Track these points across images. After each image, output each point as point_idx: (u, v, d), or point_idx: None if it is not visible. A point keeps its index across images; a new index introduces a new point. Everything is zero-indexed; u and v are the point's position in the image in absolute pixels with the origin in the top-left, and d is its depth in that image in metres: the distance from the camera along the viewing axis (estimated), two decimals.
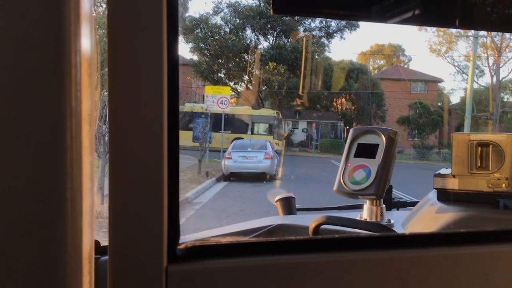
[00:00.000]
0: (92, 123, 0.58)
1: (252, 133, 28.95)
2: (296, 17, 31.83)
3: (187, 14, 34.12)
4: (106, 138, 8.85)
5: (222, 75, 35.52)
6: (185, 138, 26.85)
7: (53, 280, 0.53)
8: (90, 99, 0.57)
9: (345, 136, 31.48)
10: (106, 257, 0.74)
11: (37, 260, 0.53)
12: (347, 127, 33.49)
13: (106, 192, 0.63)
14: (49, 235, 0.53)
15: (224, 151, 18.14)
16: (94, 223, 0.90)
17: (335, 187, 1.47)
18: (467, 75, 31.50)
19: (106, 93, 0.61)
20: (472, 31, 25.13)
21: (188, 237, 1.37)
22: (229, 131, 28.39)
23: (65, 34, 0.52)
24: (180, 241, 0.69)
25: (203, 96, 25.48)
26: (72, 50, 0.53)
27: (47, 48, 0.52)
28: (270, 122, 29.01)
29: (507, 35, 30.81)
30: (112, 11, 0.61)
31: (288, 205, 1.81)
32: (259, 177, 16.36)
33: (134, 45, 0.62)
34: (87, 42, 0.56)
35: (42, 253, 0.53)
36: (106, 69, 0.62)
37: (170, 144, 0.64)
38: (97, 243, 0.94)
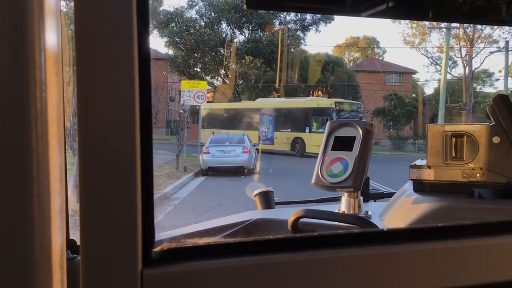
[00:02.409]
0: (60, 123, 0.55)
1: (311, 130, 24.68)
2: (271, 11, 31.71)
3: (161, 8, 33.80)
4: None
5: (198, 70, 35.34)
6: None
7: (21, 285, 0.51)
8: (58, 98, 0.54)
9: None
10: None
11: (3, 270, 0.51)
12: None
13: None
14: (15, 242, 0.51)
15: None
16: (70, 223, 0.87)
17: (313, 180, 1.48)
18: (441, 66, 32.00)
19: None
20: (445, 23, 25.50)
21: (166, 233, 1.36)
22: (288, 130, 25.38)
23: (28, 32, 0.50)
24: (158, 239, 0.67)
25: (180, 91, 25.12)
26: (36, 49, 0.50)
27: (8, 49, 0.50)
28: (327, 115, 23.48)
29: (479, 26, 31.36)
30: (78, 3, 0.59)
31: (267, 199, 1.81)
32: (237, 171, 16.36)
33: (102, 39, 0.59)
34: (53, 38, 0.54)
35: (8, 259, 0.51)
36: None
37: (143, 142, 0.62)
38: (73, 242, 0.91)
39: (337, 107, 24.49)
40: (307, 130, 24.81)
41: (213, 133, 23.91)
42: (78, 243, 0.91)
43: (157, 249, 0.66)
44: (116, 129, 0.60)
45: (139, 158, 0.61)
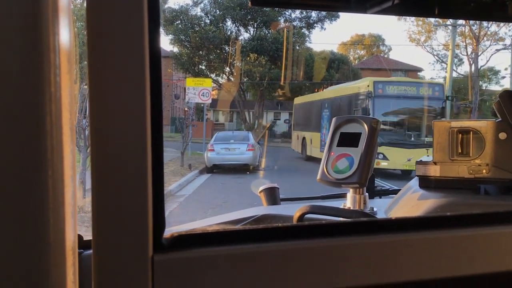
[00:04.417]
0: (72, 109, 0.56)
1: None
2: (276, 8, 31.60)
3: (166, 6, 33.79)
4: (87, 132, 8.76)
5: (203, 67, 35.31)
6: (315, 143, 19.29)
7: (36, 273, 0.52)
8: (70, 84, 0.56)
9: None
10: (90, 251, 0.73)
11: (18, 253, 0.52)
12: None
13: (88, 186, 0.62)
14: (31, 226, 0.52)
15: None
16: (77, 217, 0.89)
17: (318, 177, 1.48)
18: (446, 64, 31.86)
19: (86, 87, 0.60)
20: (451, 20, 25.37)
21: (172, 229, 1.37)
22: None
23: (42, 18, 0.51)
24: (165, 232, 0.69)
25: (185, 89, 25.07)
26: (50, 34, 0.52)
27: (24, 32, 0.51)
28: (362, 106, 15.91)
29: (485, 23, 31.20)
30: (91, 2, 0.60)
31: (272, 196, 1.81)
32: (242, 169, 16.36)
33: (114, 37, 0.61)
34: (65, 31, 0.55)
35: (24, 245, 0.52)
36: (85, 62, 0.61)
37: (154, 133, 0.63)
38: (80, 237, 0.93)
39: (379, 91, 15.80)
40: None
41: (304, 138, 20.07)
42: (84, 238, 0.92)
43: (167, 235, 0.68)
44: (128, 122, 0.62)
45: (150, 148, 0.63)
